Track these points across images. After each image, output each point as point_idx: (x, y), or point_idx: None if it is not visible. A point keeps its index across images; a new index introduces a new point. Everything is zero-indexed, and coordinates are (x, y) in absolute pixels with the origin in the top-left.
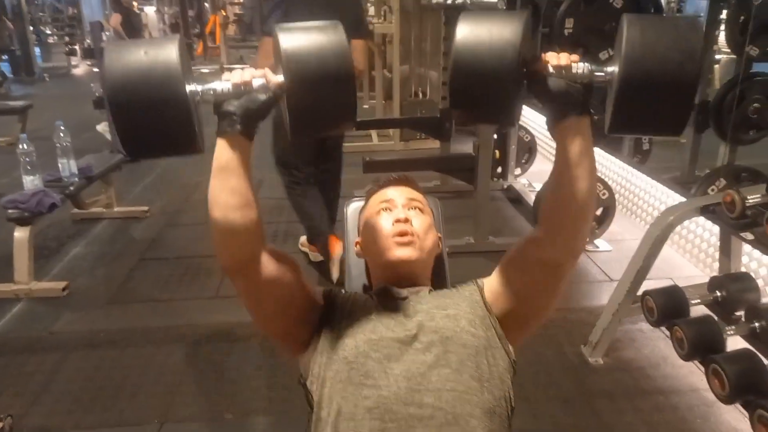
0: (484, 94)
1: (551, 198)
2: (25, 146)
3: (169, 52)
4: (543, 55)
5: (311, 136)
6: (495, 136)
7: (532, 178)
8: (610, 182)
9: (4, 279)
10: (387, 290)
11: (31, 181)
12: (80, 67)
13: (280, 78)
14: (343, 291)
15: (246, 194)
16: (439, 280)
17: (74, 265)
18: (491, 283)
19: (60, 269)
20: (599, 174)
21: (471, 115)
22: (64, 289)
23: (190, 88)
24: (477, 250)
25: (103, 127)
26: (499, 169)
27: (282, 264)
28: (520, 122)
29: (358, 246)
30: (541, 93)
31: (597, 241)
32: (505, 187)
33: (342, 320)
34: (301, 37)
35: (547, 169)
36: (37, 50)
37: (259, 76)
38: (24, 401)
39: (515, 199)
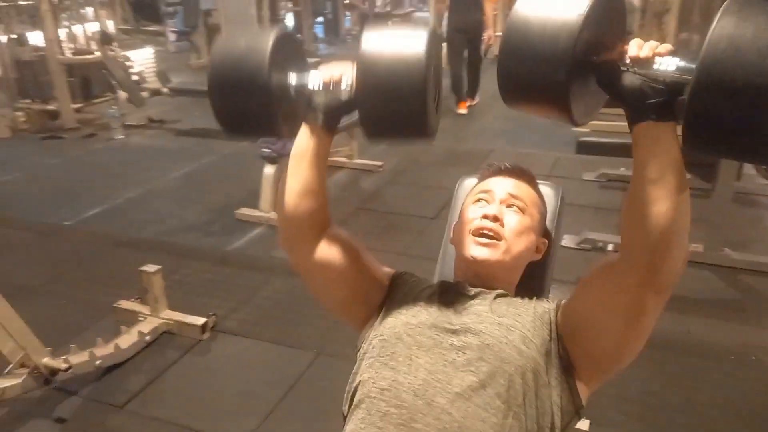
0: (533, 83)
1: (625, 219)
2: None
3: (263, 45)
4: (622, 43)
5: (383, 140)
6: None
7: None
8: None
9: (252, 206)
10: (454, 284)
11: None
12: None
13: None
14: (414, 275)
15: (311, 184)
16: (533, 289)
17: None
18: (567, 307)
19: None
20: None
21: (522, 105)
22: None
23: (284, 79)
24: (705, 262)
25: None
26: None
27: (340, 250)
28: None
29: (452, 231)
30: (610, 90)
31: None
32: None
33: (397, 302)
34: (381, 42)
35: None
36: (347, 15)
37: (349, 75)
38: (228, 307)
39: None
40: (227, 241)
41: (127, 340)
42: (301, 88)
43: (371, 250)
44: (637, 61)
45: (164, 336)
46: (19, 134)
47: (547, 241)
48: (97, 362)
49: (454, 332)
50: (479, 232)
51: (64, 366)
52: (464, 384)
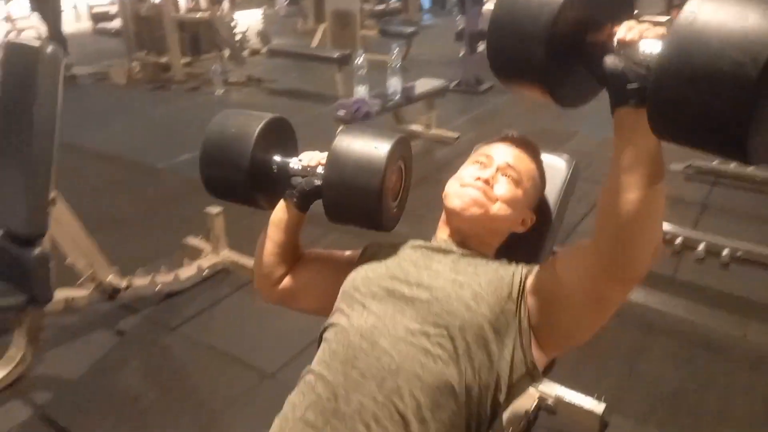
0: (516, 60)
1: (598, 204)
2: (359, 61)
3: (252, 128)
4: (610, 25)
5: (343, 224)
6: None
7: None
8: None
9: None
10: (423, 242)
11: (359, 91)
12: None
13: None
14: (387, 241)
15: (284, 249)
16: (525, 258)
17: None
18: (538, 274)
19: None
20: None
21: (509, 82)
22: None
23: (269, 157)
24: None
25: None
26: None
27: (303, 274)
28: None
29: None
30: (593, 71)
31: None
32: None
33: (361, 262)
34: (351, 143)
35: None
36: None
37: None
38: None
39: None
40: None
41: (187, 271)
42: (283, 168)
43: (426, 219)
44: (623, 43)
45: (221, 273)
46: (134, 83)
47: (535, 216)
48: (157, 287)
49: (408, 285)
50: (466, 186)
51: (124, 284)
52: (409, 331)
